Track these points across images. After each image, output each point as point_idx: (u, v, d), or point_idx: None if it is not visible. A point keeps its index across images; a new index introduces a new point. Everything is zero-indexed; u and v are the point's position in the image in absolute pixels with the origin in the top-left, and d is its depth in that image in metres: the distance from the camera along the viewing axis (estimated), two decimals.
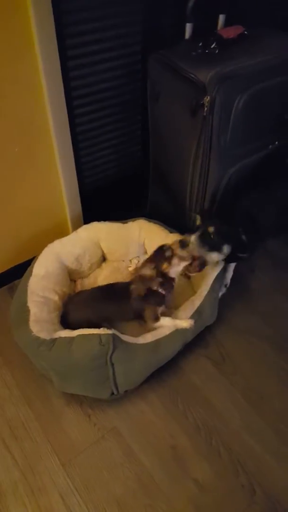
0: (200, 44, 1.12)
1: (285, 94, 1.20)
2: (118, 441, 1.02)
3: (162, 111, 1.22)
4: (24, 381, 1.13)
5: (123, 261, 1.40)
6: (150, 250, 1.35)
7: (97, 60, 1.21)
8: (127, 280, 1.33)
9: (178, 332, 1.07)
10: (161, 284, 1.07)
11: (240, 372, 1.15)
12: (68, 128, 1.18)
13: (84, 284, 1.33)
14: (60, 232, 1.39)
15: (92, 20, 1.14)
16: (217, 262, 1.17)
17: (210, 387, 1.12)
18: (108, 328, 1.00)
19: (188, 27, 1.22)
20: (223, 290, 1.30)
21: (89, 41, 1.16)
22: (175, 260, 1.07)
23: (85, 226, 1.33)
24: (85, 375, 1.01)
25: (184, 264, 1.08)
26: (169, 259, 1.07)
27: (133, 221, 1.36)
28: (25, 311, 1.06)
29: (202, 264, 1.10)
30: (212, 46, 1.11)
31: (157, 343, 1.04)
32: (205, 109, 1.06)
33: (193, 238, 1.08)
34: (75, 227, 1.40)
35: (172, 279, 1.10)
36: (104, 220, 1.35)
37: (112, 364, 0.97)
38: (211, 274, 1.19)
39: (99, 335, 0.95)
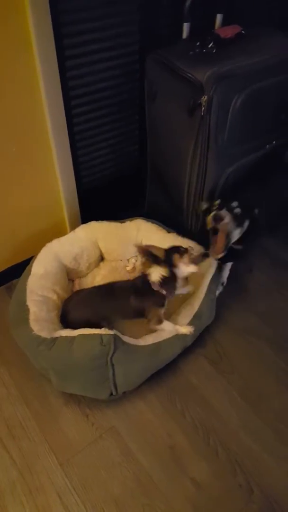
0: (198, 44, 1.12)
1: (283, 94, 1.20)
2: (116, 441, 1.02)
3: (160, 110, 1.22)
4: (22, 380, 1.13)
5: (121, 260, 1.40)
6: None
7: (94, 60, 1.21)
8: (125, 279, 1.34)
9: (178, 336, 1.08)
10: (164, 284, 1.06)
11: (238, 372, 1.15)
12: (65, 128, 1.18)
13: (82, 283, 1.33)
14: (58, 231, 1.39)
15: (90, 20, 1.14)
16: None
17: (208, 386, 1.12)
18: (109, 328, 0.99)
19: (186, 26, 1.22)
20: (220, 289, 1.30)
21: (86, 41, 1.16)
22: (185, 259, 1.06)
23: (83, 225, 1.34)
24: (84, 375, 1.01)
25: (191, 270, 1.07)
26: (182, 254, 1.06)
27: (131, 220, 1.36)
28: (25, 310, 1.06)
29: (227, 245, 1.10)
30: (210, 45, 1.11)
31: (157, 346, 1.05)
32: (203, 108, 1.06)
33: (224, 212, 1.05)
34: (73, 226, 1.40)
35: (176, 280, 1.08)
36: (102, 219, 1.35)
37: (113, 365, 0.97)
38: (207, 275, 1.19)
39: (101, 335, 0.95)
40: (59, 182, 1.28)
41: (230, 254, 1.23)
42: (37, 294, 1.12)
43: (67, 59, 1.14)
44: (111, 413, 1.06)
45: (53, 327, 1.05)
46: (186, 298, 1.23)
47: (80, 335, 0.97)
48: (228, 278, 1.34)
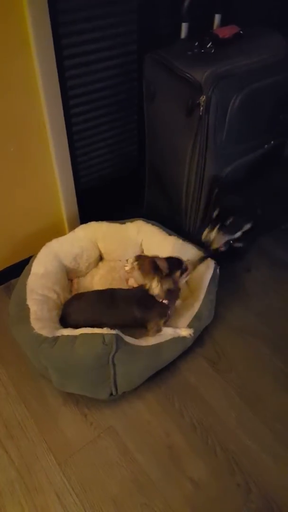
0: (196, 44, 1.13)
1: (281, 94, 1.21)
2: (114, 440, 1.02)
3: (158, 110, 1.22)
4: (20, 380, 1.13)
5: (120, 260, 1.40)
6: (147, 251, 1.35)
7: (93, 60, 1.21)
8: (123, 278, 1.34)
9: (178, 338, 1.09)
10: (168, 296, 1.07)
11: (236, 371, 1.15)
12: (64, 128, 1.18)
13: (80, 283, 1.33)
14: (56, 231, 1.39)
15: (88, 20, 1.14)
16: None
17: (206, 385, 1.12)
18: (110, 328, 0.99)
19: (184, 26, 1.22)
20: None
21: (85, 41, 1.16)
22: (184, 274, 1.11)
23: (82, 225, 1.34)
24: (85, 374, 1.01)
25: (186, 279, 1.14)
26: (182, 270, 1.09)
27: (131, 221, 1.36)
28: (25, 309, 1.06)
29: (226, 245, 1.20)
30: (208, 45, 1.11)
31: (158, 346, 1.05)
32: (201, 108, 1.06)
33: (214, 234, 1.17)
34: (71, 226, 1.40)
35: (179, 290, 1.12)
36: (101, 219, 1.35)
37: (114, 365, 0.98)
38: (206, 276, 1.20)
39: (103, 335, 0.95)
40: (58, 182, 1.28)
41: (230, 254, 1.23)
42: (37, 294, 1.12)
43: (66, 58, 1.14)
44: (109, 412, 1.07)
45: (54, 326, 1.05)
46: (185, 299, 1.23)
47: (82, 334, 0.97)
48: (227, 277, 1.34)
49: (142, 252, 1.40)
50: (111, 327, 0.99)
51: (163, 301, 1.07)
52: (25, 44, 0.99)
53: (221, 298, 1.27)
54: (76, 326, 1.03)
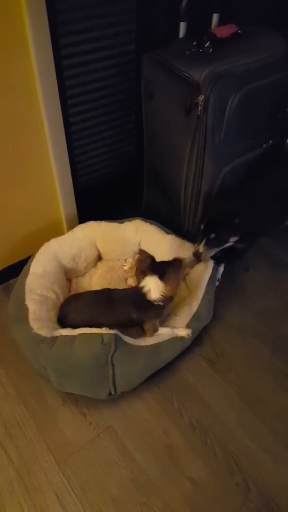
0: (194, 43, 1.13)
1: (279, 93, 1.21)
2: (113, 440, 1.02)
3: (156, 110, 1.22)
4: (19, 380, 1.13)
5: (119, 260, 1.40)
6: (145, 249, 1.35)
7: (91, 59, 1.21)
8: (122, 278, 1.34)
9: (177, 338, 1.09)
10: (163, 298, 1.06)
11: (235, 371, 1.15)
12: (62, 128, 1.18)
13: (79, 283, 1.33)
14: (55, 231, 1.39)
15: (86, 19, 1.14)
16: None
17: (205, 385, 1.12)
18: (109, 328, 0.99)
19: (182, 26, 1.22)
20: (216, 284, 1.31)
21: (83, 40, 1.16)
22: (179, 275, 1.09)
23: (81, 225, 1.34)
24: (84, 374, 1.01)
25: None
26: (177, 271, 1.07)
27: (130, 221, 1.36)
28: (24, 309, 1.06)
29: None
30: (206, 45, 1.11)
31: (157, 346, 1.05)
32: (199, 108, 1.06)
33: (201, 248, 1.20)
34: (70, 226, 1.40)
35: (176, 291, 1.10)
36: (100, 219, 1.35)
37: (113, 364, 0.98)
38: (205, 276, 1.20)
39: (101, 335, 0.95)
40: (56, 181, 1.28)
41: (229, 254, 1.23)
42: (36, 294, 1.12)
43: (64, 58, 1.14)
44: (108, 412, 1.07)
45: (53, 326, 1.05)
46: (184, 298, 1.23)
47: (81, 334, 0.97)
48: (225, 277, 1.34)
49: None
50: (109, 328, 0.99)
51: (159, 303, 1.06)
52: (23, 44, 0.98)
53: (219, 298, 1.27)
54: (74, 327, 1.03)
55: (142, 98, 1.25)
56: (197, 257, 1.21)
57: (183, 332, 1.09)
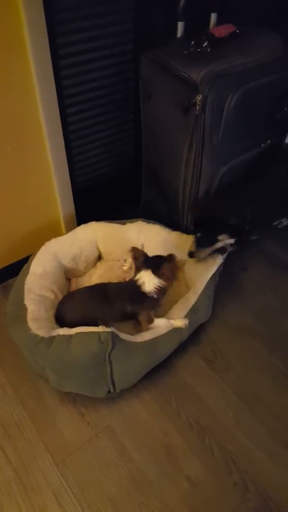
0: (192, 43, 1.13)
1: (277, 93, 1.21)
2: (112, 440, 1.02)
3: (154, 110, 1.22)
4: (17, 380, 1.13)
5: (118, 260, 1.40)
6: (150, 251, 1.35)
7: (89, 59, 1.20)
8: (121, 278, 1.34)
9: (174, 330, 1.08)
10: (158, 291, 1.09)
11: (233, 370, 1.16)
12: (60, 127, 1.18)
13: (78, 282, 1.33)
14: (53, 231, 1.39)
15: (84, 19, 1.13)
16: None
17: (203, 384, 1.12)
18: (106, 326, 0.99)
19: (180, 25, 1.22)
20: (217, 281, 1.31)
21: (81, 40, 1.16)
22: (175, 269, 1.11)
23: (82, 225, 1.33)
24: (82, 373, 1.01)
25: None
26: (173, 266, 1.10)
27: (132, 222, 1.35)
28: (22, 309, 1.06)
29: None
30: (204, 44, 1.11)
31: (154, 341, 1.05)
32: (197, 107, 1.06)
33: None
34: (68, 226, 1.40)
35: (167, 286, 1.12)
36: (98, 219, 1.35)
37: (110, 362, 0.98)
38: (207, 273, 1.20)
39: (98, 333, 0.95)
40: (54, 181, 1.28)
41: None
42: (35, 293, 1.12)
43: (61, 58, 1.14)
44: (106, 412, 1.07)
45: (51, 326, 1.05)
46: (183, 294, 1.23)
47: (78, 333, 0.97)
48: (224, 276, 1.34)
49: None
50: (106, 322, 0.99)
51: (153, 296, 1.08)
52: (20, 43, 0.98)
53: (218, 297, 1.27)
54: (71, 324, 1.03)
55: (140, 98, 1.25)
56: (192, 257, 1.21)
57: (180, 322, 1.08)
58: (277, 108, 1.26)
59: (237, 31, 1.16)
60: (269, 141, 1.30)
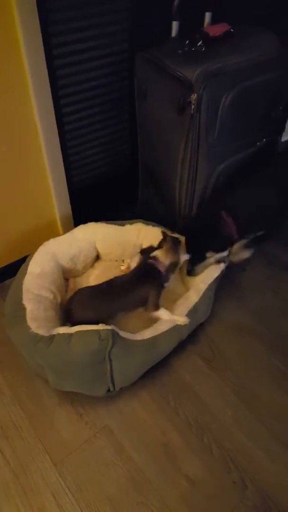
0: (187, 42, 1.13)
1: (272, 92, 1.21)
2: (110, 439, 1.02)
3: (150, 109, 1.22)
4: (14, 381, 1.13)
5: (116, 261, 1.40)
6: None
7: (83, 59, 1.20)
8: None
9: (174, 329, 1.09)
10: (169, 267, 1.14)
11: (231, 369, 1.16)
12: (55, 127, 1.18)
13: (76, 283, 1.33)
14: (50, 231, 1.39)
15: (78, 19, 1.13)
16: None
17: (201, 383, 1.12)
18: (106, 324, 1.00)
19: (175, 25, 1.22)
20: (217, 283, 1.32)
21: (75, 40, 1.16)
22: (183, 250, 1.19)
23: (81, 226, 1.33)
24: (82, 372, 1.00)
25: (185, 258, 1.20)
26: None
27: (131, 223, 1.35)
28: (21, 308, 1.05)
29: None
30: (199, 44, 1.11)
31: (154, 339, 1.05)
32: (192, 107, 1.07)
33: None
34: (65, 226, 1.40)
35: (177, 264, 1.17)
36: (95, 219, 1.35)
37: (110, 360, 0.97)
38: (211, 275, 1.21)
39: (98, 331, 0.95)
40: (50, 181, 1.28)
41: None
42: (33, 293, 1.11)
43: (56, 58, 1.14)
44: (104, 412, 1.06)
45: (50, 325, 1.05)
46: (182, 294, 1.23)
47: (77, 331, 0.97)
48: (222, 276, 1.34)
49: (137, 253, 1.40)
50: (116, 315, 1.04)
51: (163, 272, 1.13)
52: (14, 43, 0.98)
53: (216, 296, 1.27)
54: (82, 320, 1.04)
55: (136, 97, 1.25)
56: (190, 275, 1.24)
57: (181, 319, 1.09)
58: (272, 107, 1.27)
59: (232, 30, 1.17)
60: (264, 140, 1.30)
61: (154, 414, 1.06)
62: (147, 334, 1.05)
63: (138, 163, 1.42)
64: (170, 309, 1.15)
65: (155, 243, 1.31)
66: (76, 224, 1.35)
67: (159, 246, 1.18)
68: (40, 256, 1.22)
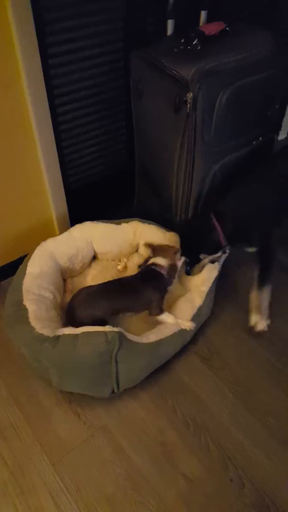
0: (182, 41, 1.12)
1: (267, 90, 1.21)
2: (108, 439, 1.02)
3: (146, 108, 1.22)
4: (12, 381, 1.13)
5: (113, 260, 1.40)
6: (146, 250, 1.36)
7: (78, 58, 1.20)
8: (115, 277, 1.34)
9: (178, 333, 1.09)
10: (169, 270, 1.16)
11: (229, 368, 1.16)
12: (51, 127, 1.18)
13: (74, 282, 1.33)
14: (46, 231, 1.39)
15: (73, 18, 1.13)
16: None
17: (199, 383, 1.12)
18: (113, 326, 1.00)
19: (170, 23, 1.22)
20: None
21: (70, 39, 1.15)
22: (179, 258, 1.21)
23: (78, 225, 1.32)
24: (87, 373, 1.00)
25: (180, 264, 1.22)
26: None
27: (127, 222, 1.35)
28: (22, 309, 1.05)
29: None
30: (194, 42, 1.11)
31: (159, 343, 1.05)
32: (188, 105, 1.06)
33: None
34: (61, 226, 1.39)
35: (176, 270, 1.19)
36: (92, 218, 1.35)
37: (116, 362, 0.97)
38: (210, 276, 1.21)
39: (105, 332, 0.95)
40: (46, 181, 1.28)
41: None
42: (34, 294, 1.11)
43: (50, 57, 1.13)
44: (102, 411, 1.06)
45: (54, 325, 1.05)
46: (180, 294, 1.24)
47: (84, 332, 0.97)
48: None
49: (134, 252, 1.40)
50: (121, 316, 1.04)
51: (165, 275, 1.15)
52: (9, 43, 0.98)
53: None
54: (85, 318, 1.05)
55: (132, 97, 1.24)
56: (189, 274, 1.25)
57: (188, 323, 1.10)
58: (268, 105, 1.27)
59: (227, 28, 1.16)
60: (260, 138, 1.30)
61: (152, 413, 1.06)
62: (152, 337, 1.06)
63: (134, 162, 1.42)
64: (171, 309, 1.16)
65: (153, 241, 1.32)
66: (72, 224, 1.34)
67: (154, 254, 1.20)
68: (39, 257, 1.21)
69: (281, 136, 1.42)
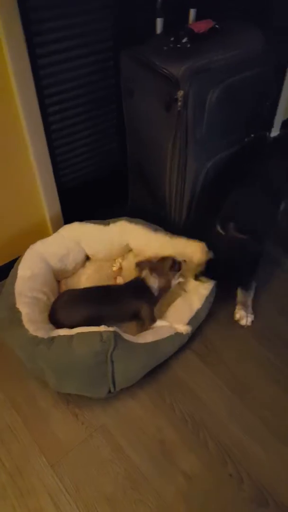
0: (172, 39, 1.12)
1: (258, 88, 1.22)
2: (106, 439, 1.02)
3: (137, 107, 1.22)
4: (8, 384, 1.12)
5: (108, 261, 1.39)
6: (136, 250, 1.36)
7: (68, 57, 1.20)
8: (111, 277, 1.34)
9: (176, 335, 1.10)
10: (159, 289, 1.16)
11: (226, 364, 1.16)
12: (41, 127, 1.17)
13: (68, 283, 1.32)
14: (39, 232, 1.38)
15: (62, 17, 1.13)
16: None
17: (196, 380, 1.13)
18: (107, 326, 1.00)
19: (159, 22, 1.22)
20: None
21: (59, 38, 1.15)
22: (176, 275, 1.19)
23: (66, 226, 1.32)
24: (84, 373, 1.00)
25: (179, 280, 1.22)
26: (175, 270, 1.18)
27: (114, 222, 1.34)
28: (16, 312, 1.05)
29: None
30: (184, 40, 1.11)
31: (156, 344, 1.05)
32: (179, 103, 1.07)
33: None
34: (55, 227, 1.39)
35: (169, 287, 1.19)
36: (86, 218, 1.34)
37: (112, 362, 0.97)
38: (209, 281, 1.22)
39: (100, 332, 0.95)
40: (38, 182, 1.27)
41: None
42: (27, 296, 1.11)
43: (39, 57, 1.13)
44: (100, 411, 1.06)
45: (49, 327, 1.05)
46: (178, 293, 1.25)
47: (78, 333, 0.97)
48: None
49: (128, 251, 1.40)
50: (108, 322, 1.01)
51: (155, 293, 1.15)
52: None
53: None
54: (71, 320, 1.05)
55: (122, 96, 1.24)
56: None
57: (183, 327, 1.10)
58: (259, 103, 1.27)
59: (217, 26, 1.16)
60: (252, 135, 1.30)
61: (149, 411, 1.06)
62: (149, 338, 1.06)
63: (127, 161, 1.42)
64: (167, 308, 1.16)
65: (144, 244, 1.31)
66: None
67: (156, 266, 1.17)
68: (29, 259, 1.21)
69: (274, 133, 1.43)
